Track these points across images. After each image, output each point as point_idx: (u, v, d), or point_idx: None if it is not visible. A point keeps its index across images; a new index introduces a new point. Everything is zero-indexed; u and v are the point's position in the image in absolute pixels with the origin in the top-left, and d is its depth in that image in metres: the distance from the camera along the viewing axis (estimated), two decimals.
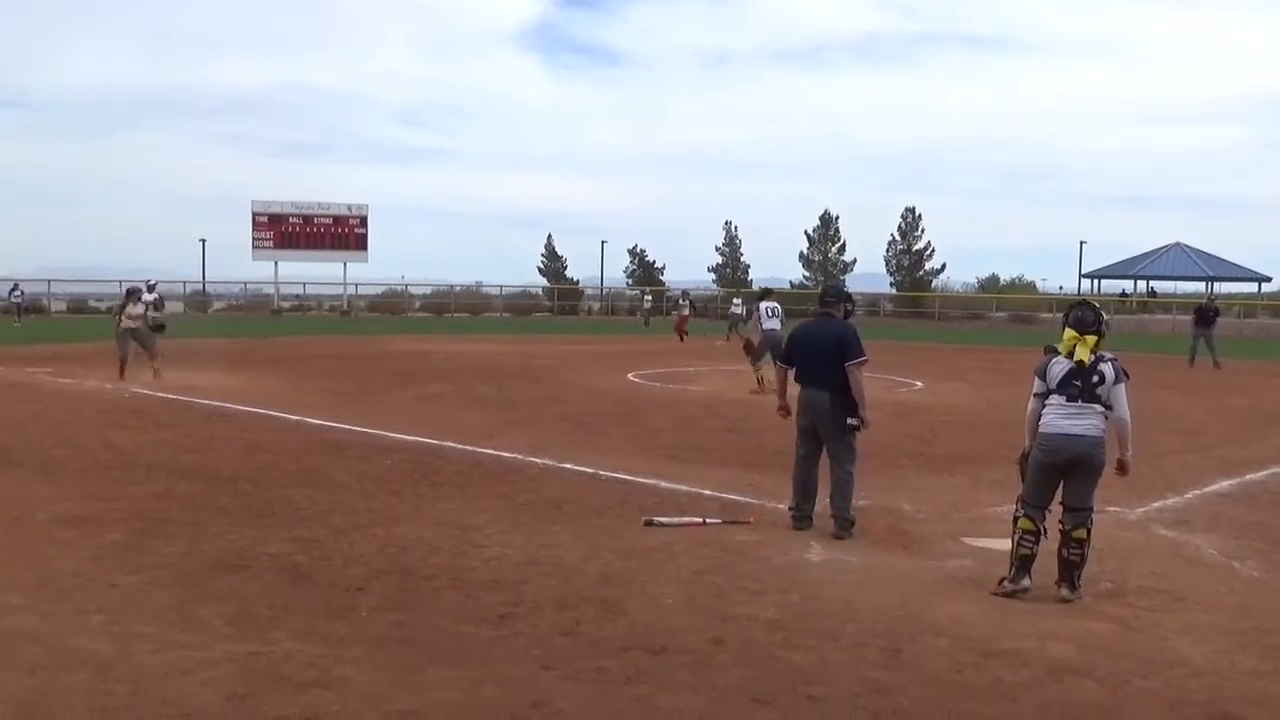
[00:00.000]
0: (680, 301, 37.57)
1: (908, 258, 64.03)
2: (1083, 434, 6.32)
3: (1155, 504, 9.08)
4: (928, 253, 64.22)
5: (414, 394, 16.93)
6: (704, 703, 4.68)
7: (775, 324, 17.09)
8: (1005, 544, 6.75)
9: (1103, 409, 6.36)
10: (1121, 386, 6.39)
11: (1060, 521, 6.42)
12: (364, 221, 54.66)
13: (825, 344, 7.92)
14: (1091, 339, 6.41)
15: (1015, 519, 6.51)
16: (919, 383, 19.61)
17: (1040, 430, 6.46)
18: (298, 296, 56.41)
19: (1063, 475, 6.43)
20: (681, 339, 32.52)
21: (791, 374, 8.20)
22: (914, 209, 64.67)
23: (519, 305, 58.87)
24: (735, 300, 39.91)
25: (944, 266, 65.40)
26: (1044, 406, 6.46)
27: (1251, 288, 63.12)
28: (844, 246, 65.32)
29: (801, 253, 65.37)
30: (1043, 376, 6.52)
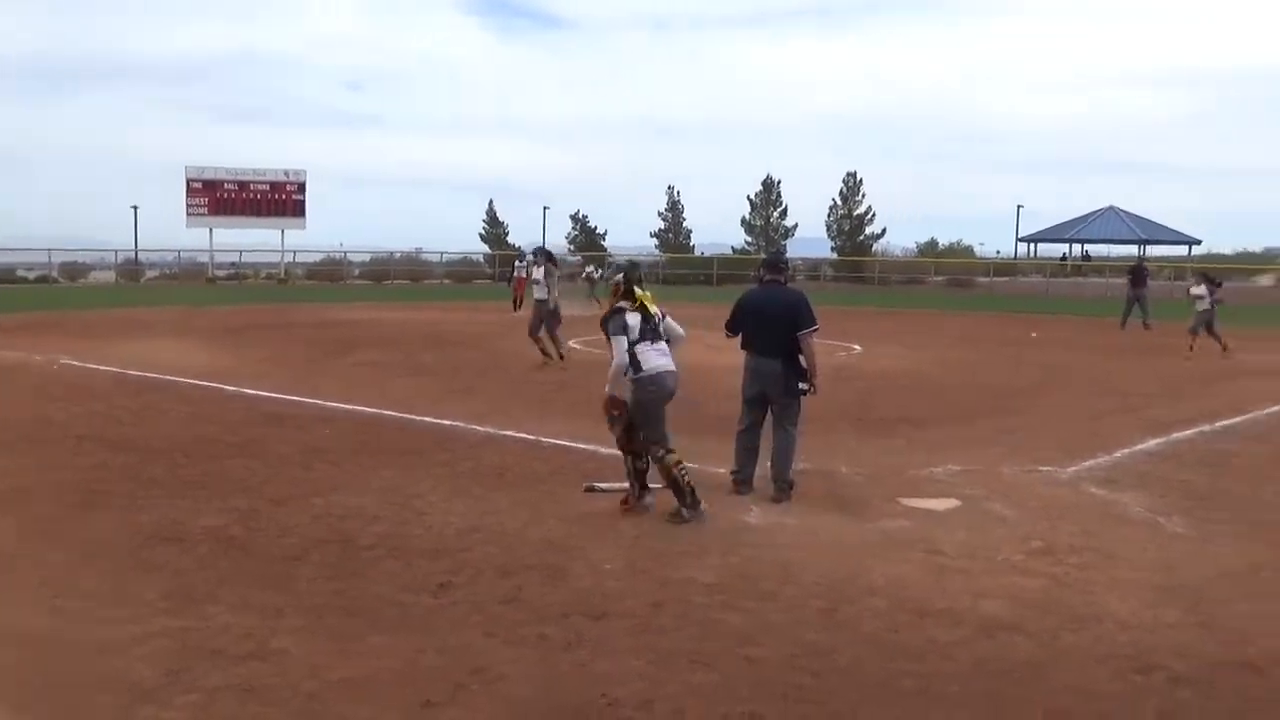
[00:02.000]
0: (518, 263, 30.26)
1: (849, 222, 64.41)
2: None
3: (1086, 463, 9.28)
4: (868, 217, 64.64)
5: (354, 362, 16.74)
6: (644, 665, 4.73)
7: (543, 293, 16.33)
8: (942, 504, 6.88)
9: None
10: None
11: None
12: (302, 188, 53.65)
13: (777, 312, 7.95)
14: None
15: (662, 460, 7.14)
16: (858, 346, 19.81)
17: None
18: (234, 265, 55.42)
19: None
20: (516, 306, 27.27)
21: (738, 340, 8.19)
22: (855, 173, 64.90)
23: (460, 272, 58.31)
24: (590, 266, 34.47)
25: (884, 231, 65.86)
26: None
27: (1182, 250, 64.40)
28: (786, 211, 65.51)
29: (744, 218, 65.47)
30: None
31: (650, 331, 7.40)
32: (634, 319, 7.37)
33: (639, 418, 7.32)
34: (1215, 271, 23.96)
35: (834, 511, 7.55)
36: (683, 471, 7.15)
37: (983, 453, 9.67)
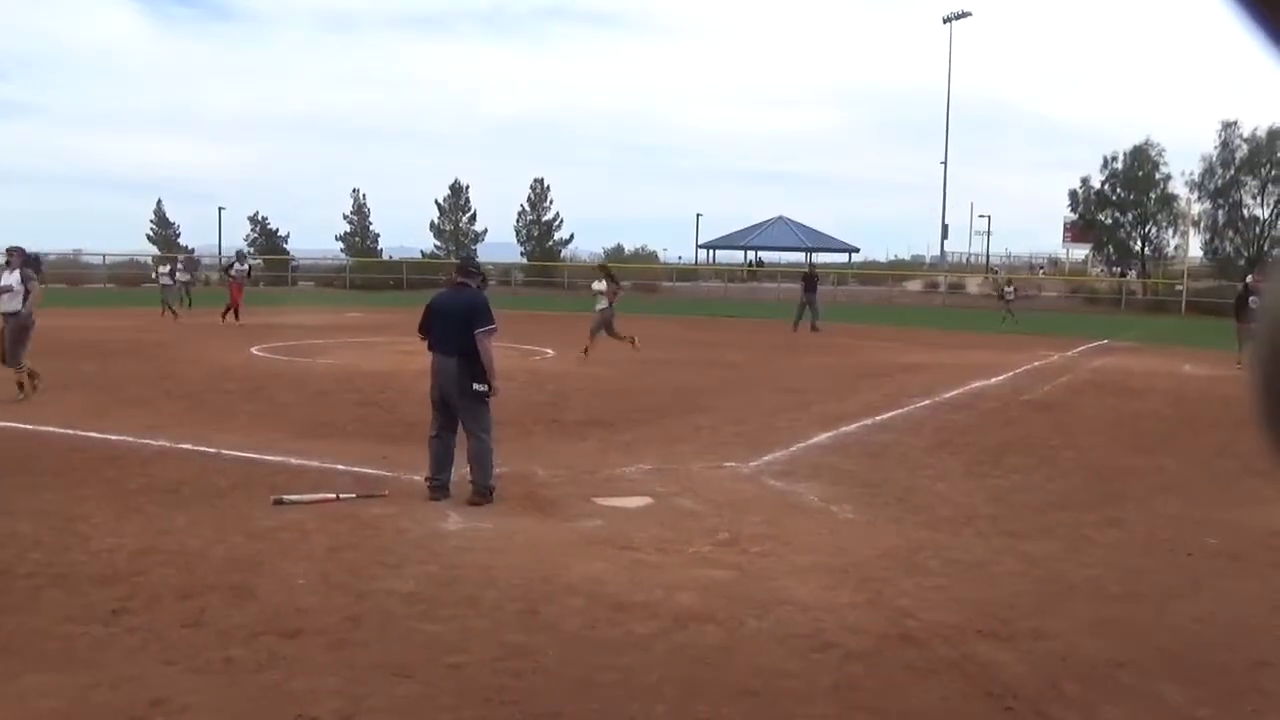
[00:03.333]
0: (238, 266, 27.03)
1: (537, 228, 65.17)
2: None
3: (765, 458, 9.86)
4: (556, 223, 65.66)
5: (2, 375, 15.15)
6: (342, 682, 4.57)
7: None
8: (635, 502, 7.10)
9: None
10: None
11: None
12: None
13: (457, 312, 7.95)
14: None
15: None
16: (550, 350, 20.08)
17: None
18: None
19: None
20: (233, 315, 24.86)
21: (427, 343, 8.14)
22: (543, 180, 65.81)
23: (126, 275, 54.12)
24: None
25: (572, 236, 67.15)
26: None
27: (843, 258, 69.81)
28: (475, 216, 65.41)
29: (433, 222, 64.74)
30: None
31: None
32: None
33: None
34: (618, 270, 25.52)
35: (531, 513, 7.61)
36: None
37: (672, 451, 10.06)
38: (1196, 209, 49.82)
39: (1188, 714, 4.54)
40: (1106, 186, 52.38)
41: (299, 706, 4.33)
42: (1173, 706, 4.60)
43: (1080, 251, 63.67)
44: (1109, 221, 52.90)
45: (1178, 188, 50.92)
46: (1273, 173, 48.85)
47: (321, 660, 4.82)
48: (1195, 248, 53.03)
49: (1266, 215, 50.05)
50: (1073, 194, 53.96)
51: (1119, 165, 51.89)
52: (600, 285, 19.37)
